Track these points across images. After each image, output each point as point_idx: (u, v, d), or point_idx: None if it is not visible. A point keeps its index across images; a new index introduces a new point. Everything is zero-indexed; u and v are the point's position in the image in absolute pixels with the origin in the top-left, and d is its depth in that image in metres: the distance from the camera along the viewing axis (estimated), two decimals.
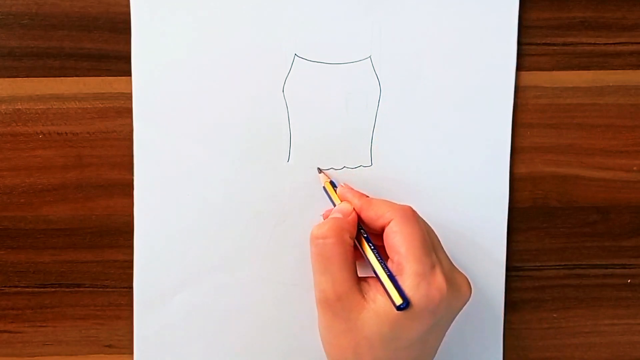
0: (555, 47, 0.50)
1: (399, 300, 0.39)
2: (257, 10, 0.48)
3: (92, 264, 0.50)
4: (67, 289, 0.50)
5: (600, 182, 0.51)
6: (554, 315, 0.52)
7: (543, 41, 0.49)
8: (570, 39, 0.50)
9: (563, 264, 0.52)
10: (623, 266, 0.52)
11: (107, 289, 0.50)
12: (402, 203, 0.47)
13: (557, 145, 0.50)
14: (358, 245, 0.44)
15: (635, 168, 0.51)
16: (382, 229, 0.43)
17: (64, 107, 0.49)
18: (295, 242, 0.49)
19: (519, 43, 0.49)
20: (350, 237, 0.43)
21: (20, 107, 0.49)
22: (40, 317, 0.51)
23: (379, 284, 0.41)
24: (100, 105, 0.49)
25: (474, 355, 0.51)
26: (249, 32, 0.48)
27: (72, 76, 0.48)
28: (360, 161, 0.49)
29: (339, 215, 0.44)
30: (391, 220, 0.42)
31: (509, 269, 0.51)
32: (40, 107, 0.49)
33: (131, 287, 0.50)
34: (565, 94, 0.50)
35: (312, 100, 0.48)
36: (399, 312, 0.39)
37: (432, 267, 0.40)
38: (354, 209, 0.44)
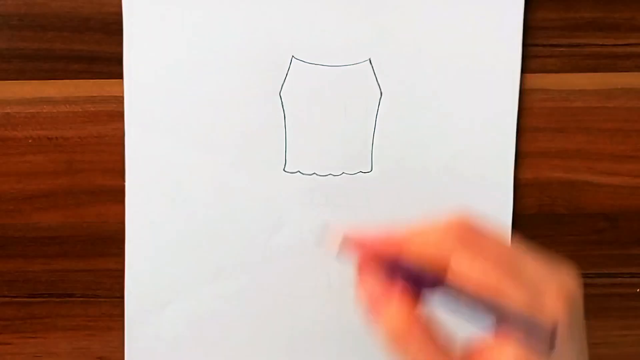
0: (562, 49, 0.49)
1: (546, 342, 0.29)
2: (253, 10, 0.47)
3: (83, 273, 0.50)
4: (57, 299, 0.50)
5: (609, 188, 0.51)
6: None
7: (549, 42, 0.49)
8: (577, 40, 0.49)
9: None
10: (632, 275, 0.52)
11: (99, 299, 0.50)
12: (402, 210, 0.47)
13: (564, 150, 0.50)
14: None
15: None
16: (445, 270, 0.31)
17: (55, 110, 0.48)
18: (292, 252, 0.49)
19: (524, 44, 0.49)
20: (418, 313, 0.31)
21: (9, 111, 0.48)
22: (30, 328, 0.51)
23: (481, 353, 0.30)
24: (91, 108, 0.48)
25: None
26: (245, 33, 0.47)
27: (63, 79, 0.48)
28: (359, 167, 0.49)
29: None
30: (450, 257, 0.31)
31: None
32: (30, 110, 0.48)
33: (123, 297, 0.49)
34: (573, 96, 0.50)
35: (310, 104, 0.48)
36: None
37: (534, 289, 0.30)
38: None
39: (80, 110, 0.48)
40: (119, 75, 0.48)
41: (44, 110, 0.48)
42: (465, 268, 0.30)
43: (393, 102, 0.48)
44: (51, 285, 0.50)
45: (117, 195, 0.49)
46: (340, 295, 0.50)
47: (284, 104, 0.48)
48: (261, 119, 0.48)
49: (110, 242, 0.49)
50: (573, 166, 0.50)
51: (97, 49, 0.48)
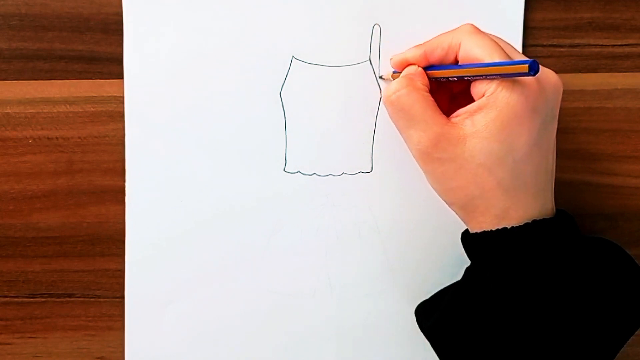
0: (561, 49, 0.49)
1: (525, 67, 0.37)
2: (253, 10, 0.47)
3: (83, 273, 0.50)
4: (57, 299, 0.50)
5: (608, 189, 0.51)
6: None
7: (549, 43, 0.49)
8: (577, 41, 0.49)
9: None
10: None
11: (99, 299, 0.50)
12: (403, 210, 0.46)
13: (563, 151, 0.50)
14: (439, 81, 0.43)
15: None
16: (457, 60, 0.42)
17: (55, 111, 0.48)
18: (292, 251, 0.49)
19: (524, 45, 0.49)
20: (423, 84, 0.42)
21: (9, 111, 0.48)
22: (30, 328, 0.50)
23: (466, 109, 0.40)
24: (91, 109, 0.48)
25: None
26: (245, 33, 0.47)
27: (63, 79, 0.48)
28: (359, 167, 0.49)
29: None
30: (460, 42, 0.41)
31: None
32: (30, 111, 0.48)
33: (124, 297, 0.49)
34: (572, 97, 0.50)
35: (310, 104, 0.48)
36: (502, 122, 0.39)
37: None
38: (417, 64, 0.44)
39: (80, 110, 0.48)
40: (119, 76, 0.47)
41: (44, 110, 0.48)
42: (472, 43, 0.41)
43: None
44: (51, 285, 0.50)
45: (118, 195, 0.48)
46: (340, 295, 0.50)
47: (284, 104, 0.48)
48: (261, 119, 0.48)
49: (110, 242, 0.49)
50: (572, 166, 0.50)
51: (97, 49, 0.47)
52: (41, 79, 0.48)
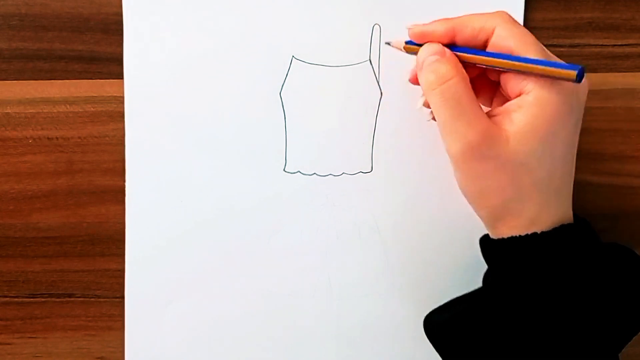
0: (561, 49, 0.49)
1: (572, 74, 0.36)
2: (253, 10, 0.47)
3: (83, 273, 0.50)
4: (57, 299, 0.50)
5: (609, 188, 0.51)
6: None
7: (549, 42, 0.49)
8: (577, 40, 0.49)
9: None
10: None
11: (99, 299, 0.50)
12: (403, 210, 0.46)
13: None
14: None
15: None
16: (485, 45, 0.39)
17: (55, 111, 0.48)
18: (292, 251, 0.49)
19: None
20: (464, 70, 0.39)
21: (9, 111, 0.48)
22: (30, 328, 0.50)
23: (505, 107, 0.38)
24: (91, 109, 0.48)
25: None
26: (245, 33, 0.47)
27: (63, 79, 0.48)
28: (359, 167, 0.49)
29: (437, 57, 0.40)
30: (494, 27, 0.39)
31: None
32: (30, 111, 0.48)
33: (124, 297, 0.49)
34: None
35: (310, 104, 0.48)
36: (544, 121, 0.37)
37: None
38: (439, 41, 0.40)
39: (80, 110, 0.48)
40: (119, 76, 0.47)
41: (44, 110, 0.48)
42: (507, 32, 0.38)
43: (393, 101, 0.48)
44: (51, 285, 0.50)
45: (118, 195, 0.48)
46: (340, 295, 0.50)
47: (284, 104, 0.48)
48: (261, 119, 0.48)
49: (110, 242, 0.49)
50: None
51: (97, 49, 0.47)
52: (41, 79, 0.48)
